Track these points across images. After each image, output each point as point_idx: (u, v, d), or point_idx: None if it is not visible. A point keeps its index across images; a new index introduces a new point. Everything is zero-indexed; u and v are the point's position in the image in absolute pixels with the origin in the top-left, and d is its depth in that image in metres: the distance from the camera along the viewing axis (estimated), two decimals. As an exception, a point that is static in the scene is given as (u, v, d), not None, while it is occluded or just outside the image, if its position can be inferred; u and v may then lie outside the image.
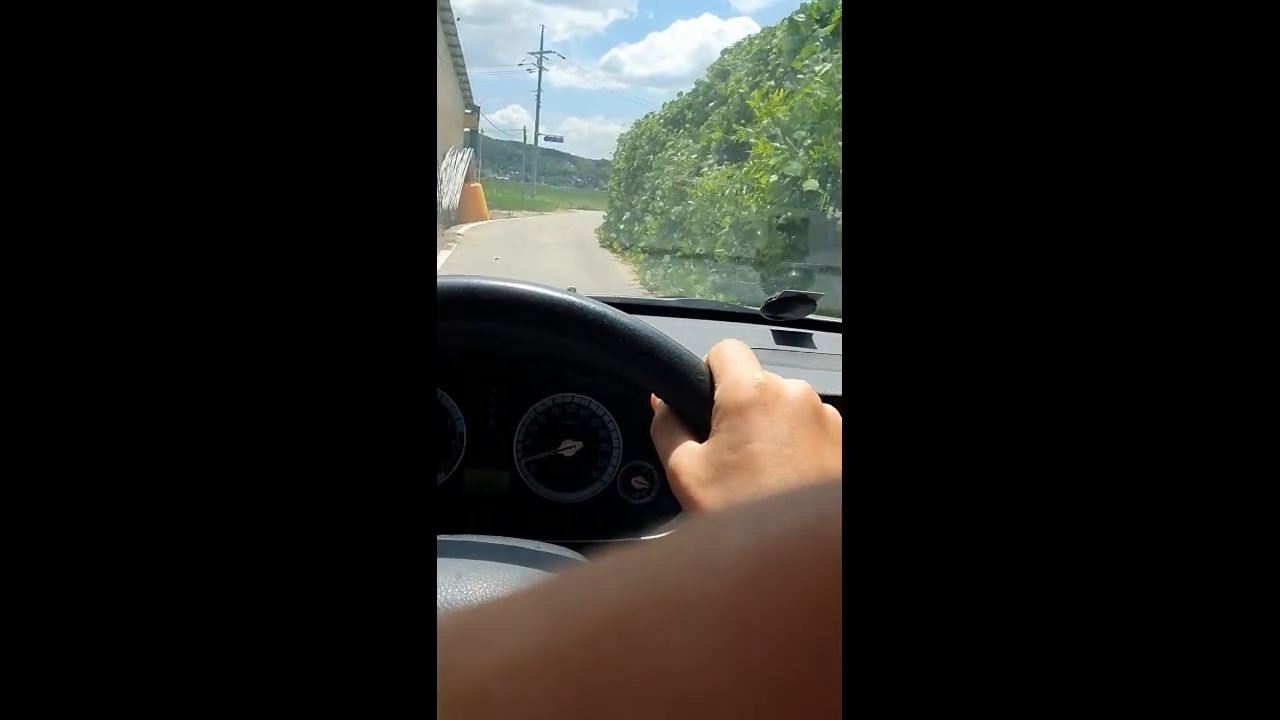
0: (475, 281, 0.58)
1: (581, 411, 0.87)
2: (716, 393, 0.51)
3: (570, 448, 0.86)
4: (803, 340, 0.99)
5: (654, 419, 0.59)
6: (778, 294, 0.96)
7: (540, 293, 0.57)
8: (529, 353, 0.86)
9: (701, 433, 0.51)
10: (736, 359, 0.53)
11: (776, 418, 0.47)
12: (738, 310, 1.07)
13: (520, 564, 0.52)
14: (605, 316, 0.56)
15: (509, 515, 0.86)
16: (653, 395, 0.61)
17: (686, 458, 0.50)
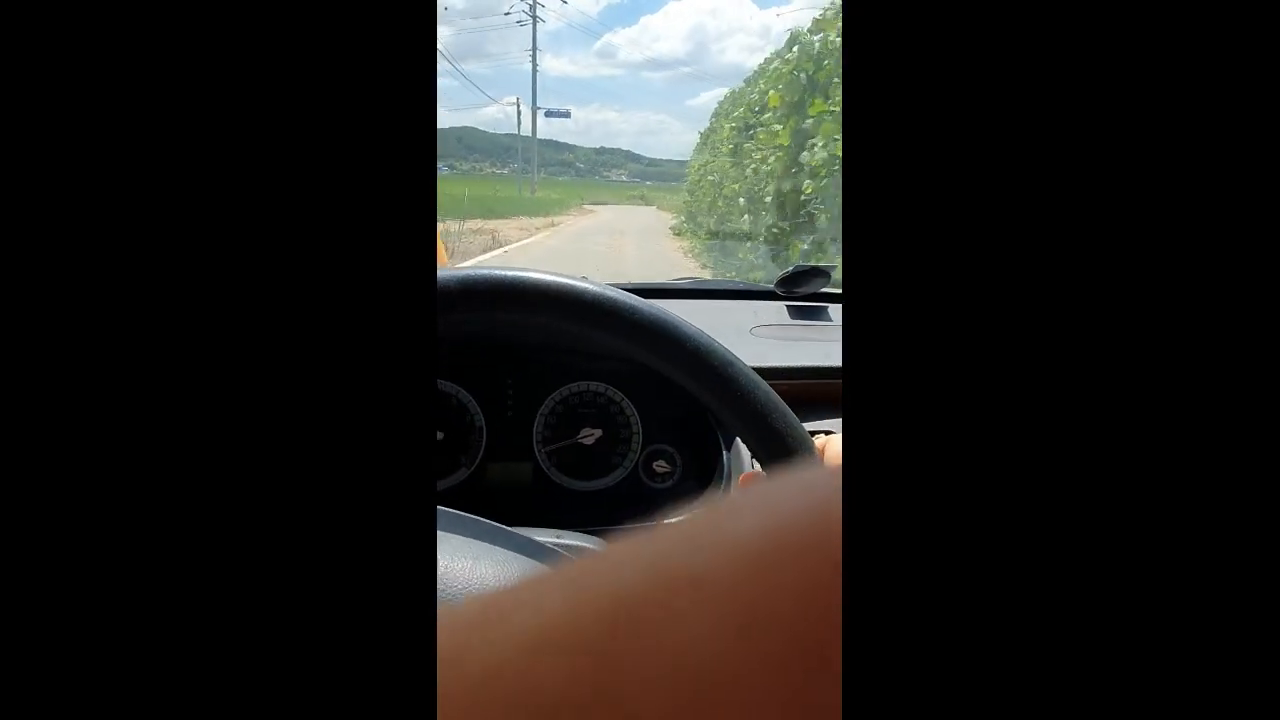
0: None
1: (599, 399, 0.86)
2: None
3: (590, 435, 0.86)
4: (818, 314, 0.98)
5: (746, 479, 0.58)
6: (791, 269, 0.95)
7: (689, 332, 0.55)
8: (541, 340, 0.85)
9: None
10: None
11: None
12: (753, 289, 1.05)
13: (536, 558, 0.51)
14: (733, 366, 0.54)
15: (533, 506, 0.85)
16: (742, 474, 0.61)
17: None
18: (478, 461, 0.86)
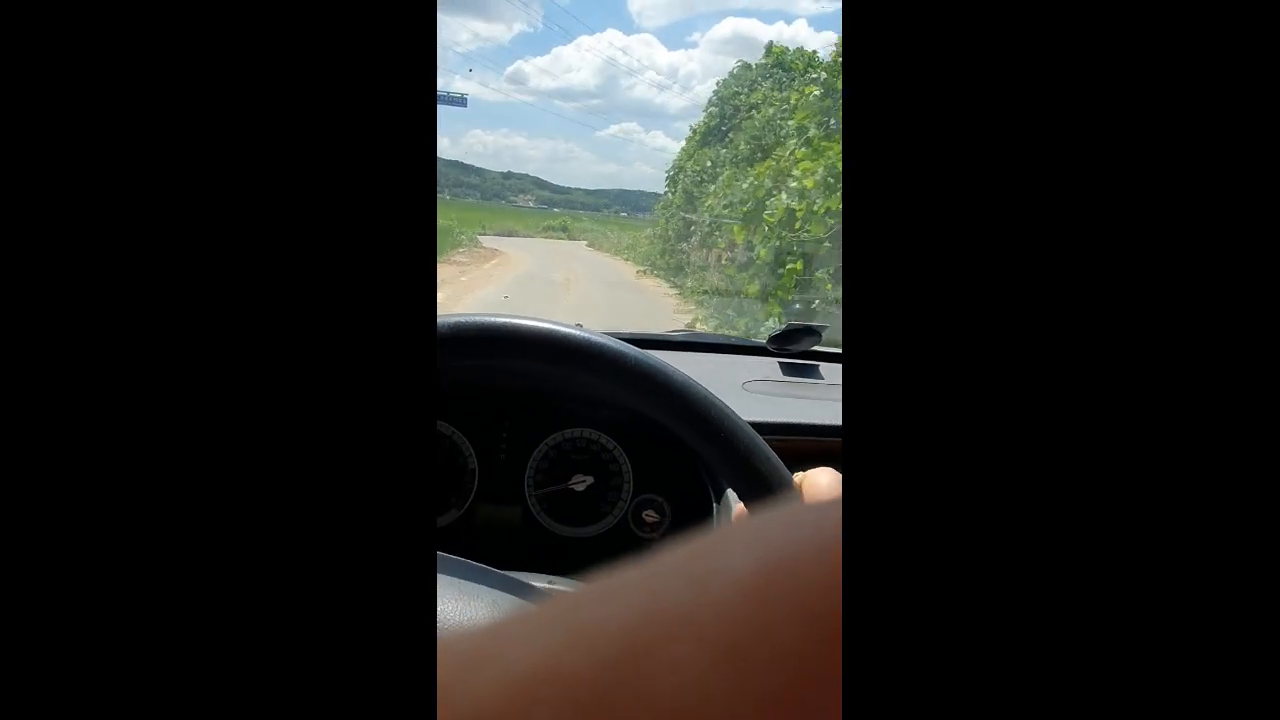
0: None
1: (592, 446, 0.86)
2: None
3: (581, 482, 0.85)
4: (809, 372, 1.00)
5: (735, 517, 0.57)
6: (783, 326, 0.97)
7: (664, 372, 0.55)
8: (538, 386, 0.85)
9: None
10: (832, 493, 0.52)
11: None
12: (744, 344, 1.07)
13: (522, 596, 0.52)
14: (716, 407, 0.55)
15: (521, 550, 0.84)
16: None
17: None
18: (469, 503, 0.84)
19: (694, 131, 17.92)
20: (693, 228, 12.44)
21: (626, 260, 20.32)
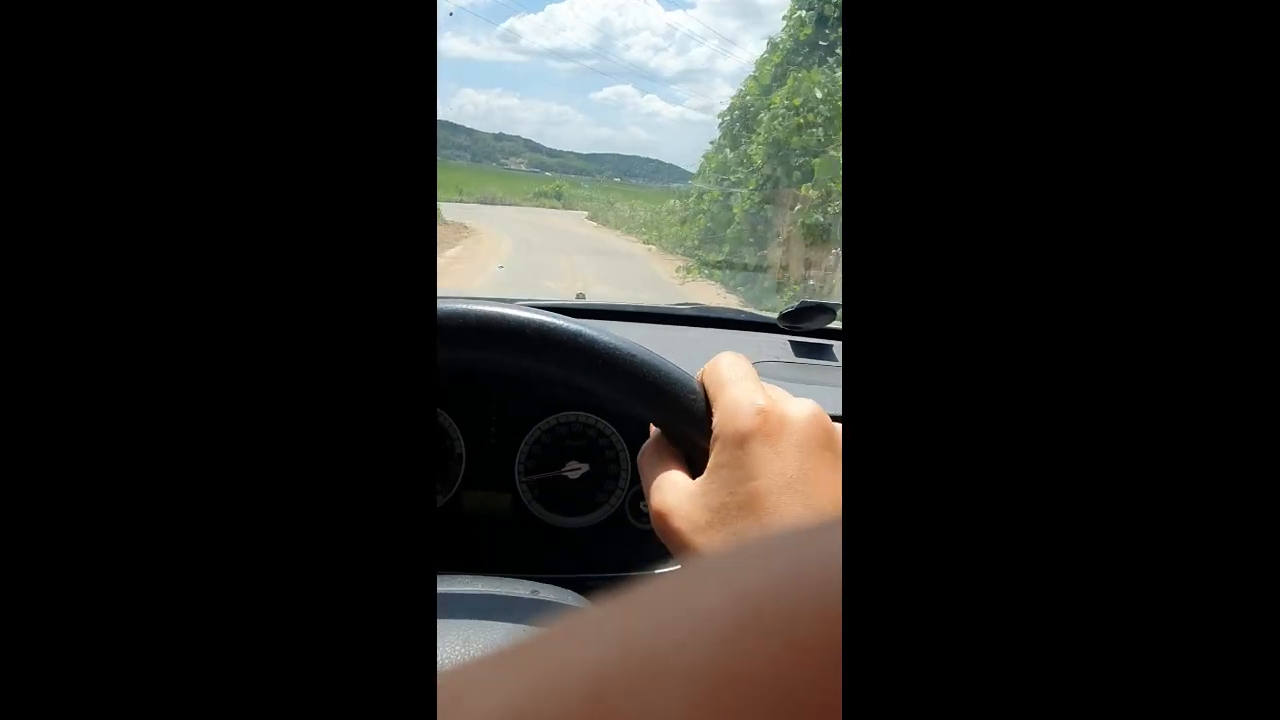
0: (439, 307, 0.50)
1: (588, 431, 0.80)
2: (714, 419, 0.42)
3: (575, 469, 0.79)
4: (822, 352, 0.94)
5: (643, 447, 0.48)
6: (796, 303, 0.91)
7: (505, 315, 0.48)
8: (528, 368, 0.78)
9: (697, 464, 0.43)
10: (734, 377, 0.43)
11: (782, 448, 0.39)
12: (753, 319, 1.01)
13: (502, 619, 0.46)
14: (581, 335, 0.47)
15: (510, 540, 0.78)
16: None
17: (677, 496, 0.41)
18: (455, 489, 0.78)
19: (775, 49, 11.27)
20: (779, 195, 8.77)
21: (646, 242, 14.89)
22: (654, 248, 12.88)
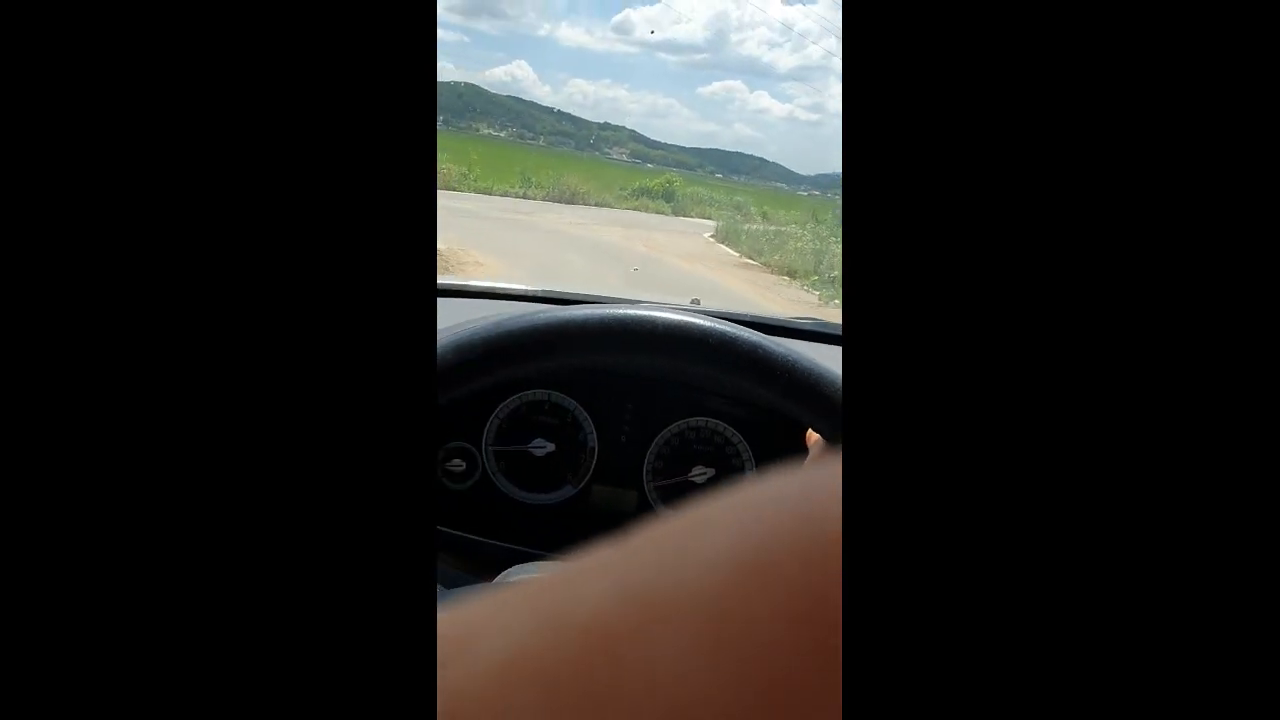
0: (627, 313, 0.54)
1: (716, 437, 0.82)
2: None
3: (702, 474, 0.82)
4: None
5: (809, 460, 0.53)
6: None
7: (691, 324, 0.53)
8: (665, 371, 0.81)
9: None
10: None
11: None
12: None
13: None
14: (760, 348, 0.53)
15: None
16: (809, 432, 0.57)
17: None
18: (584, 482, 0.82)
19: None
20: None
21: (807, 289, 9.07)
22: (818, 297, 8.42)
